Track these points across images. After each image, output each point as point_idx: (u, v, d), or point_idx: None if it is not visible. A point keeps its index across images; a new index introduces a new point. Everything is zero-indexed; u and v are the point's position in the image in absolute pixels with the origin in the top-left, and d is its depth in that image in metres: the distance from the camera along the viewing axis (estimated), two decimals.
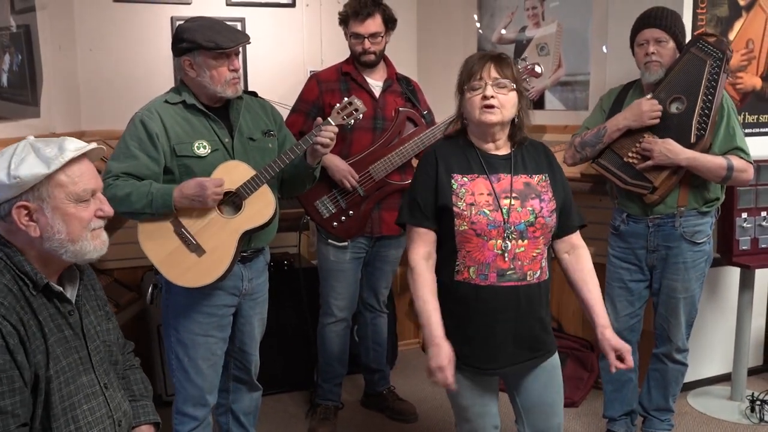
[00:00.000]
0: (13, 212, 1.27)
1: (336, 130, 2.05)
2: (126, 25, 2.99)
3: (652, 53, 2.27)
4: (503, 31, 3.24)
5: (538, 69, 2.40)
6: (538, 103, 3.14)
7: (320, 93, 2.57)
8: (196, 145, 1.99)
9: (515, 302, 1.67)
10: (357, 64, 2.58)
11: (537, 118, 2.95)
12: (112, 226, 2.77)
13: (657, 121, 2.24)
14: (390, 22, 2.55)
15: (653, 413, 2.51)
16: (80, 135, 2.83)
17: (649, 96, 2.27)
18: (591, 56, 2.97)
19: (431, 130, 2.54)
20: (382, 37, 2.55)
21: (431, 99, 2.79)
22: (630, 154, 2.32)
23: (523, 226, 1.66)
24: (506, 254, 1.65)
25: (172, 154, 1.97)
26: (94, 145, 1.35)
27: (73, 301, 1.38)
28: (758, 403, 2.74)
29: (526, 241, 1.66)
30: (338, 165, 2.51)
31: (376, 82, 2.61)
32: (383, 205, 2.60)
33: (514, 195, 1.68)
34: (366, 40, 2.51)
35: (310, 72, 2.87)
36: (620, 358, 1.67)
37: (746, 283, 2.78)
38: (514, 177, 1.70)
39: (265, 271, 2.22)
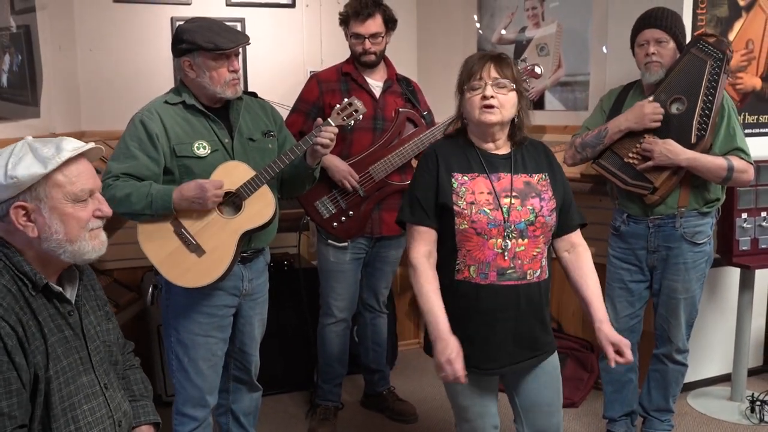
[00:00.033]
0: (11, 212, 1.27)
1: (336, 130, 2.05)
2: (126, 25, 2.99)
3: (653, 54, 2.27)
4: (503, 32, 3.24)
5: (538, 70, 2.40)
6: (538, 104, 3.14)
7: (320, 93, 2.57)
8: (196, 145, 1.99)
9: (515, 301, 1.67)
10: (357, 64, 2.58)
11: (537, 118, 2.95)
12: (111, 226, 2.78)
13: (658, 124, 2.24)
14: (390, 23, 2.55)
15: (653, 414, 2.51)
16: (80, 135, 2.83)
17: (650, 98, 2.27)
18: (591, 57, 2.97)
19: (431, 130, 2.54)
20: (383, 37, 2.55)
21: (431, 99, 2.79)
22: (630, 155, 2.32)
23: (523, 225, 1.66)
24: (506, 253, 1.65)
25: (171, 154, 1.97)
26: (91, 144, 1.35)
27: (73, 302, 1.38)
28: (758, 403, 2.74)
29: (526, 240, 1.66)
30: (338, 165, 2.51)
31: (376, 83, 2.61)
32: (383, 206, 2.60)
33: (514, 194, 1.68)
34: (366, 40, 2.51)
35: (310, 72, 2.87)
36: (619, 352, 1.66)
37: (746, 284, 2.78)
38: (515, 176, 1.70)
39: (265, 272, 2.22)
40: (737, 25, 2.80)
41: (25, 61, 2.51)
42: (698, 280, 2.36)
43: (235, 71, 1.99)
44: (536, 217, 1.68)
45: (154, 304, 2.18)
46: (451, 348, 1.60)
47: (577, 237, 1.80)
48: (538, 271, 1.70)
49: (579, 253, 1.78)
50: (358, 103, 2.07)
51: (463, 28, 3.35)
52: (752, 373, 3.03)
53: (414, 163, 2.53)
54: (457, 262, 1.68)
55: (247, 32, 3.09)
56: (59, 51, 2.78)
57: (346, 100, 2.09)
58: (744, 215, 2.69)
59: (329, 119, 2.06)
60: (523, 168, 1.73)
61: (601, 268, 2.56)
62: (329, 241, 2.62)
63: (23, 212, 1.28)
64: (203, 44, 1.93)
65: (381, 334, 2.85)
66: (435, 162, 1.71)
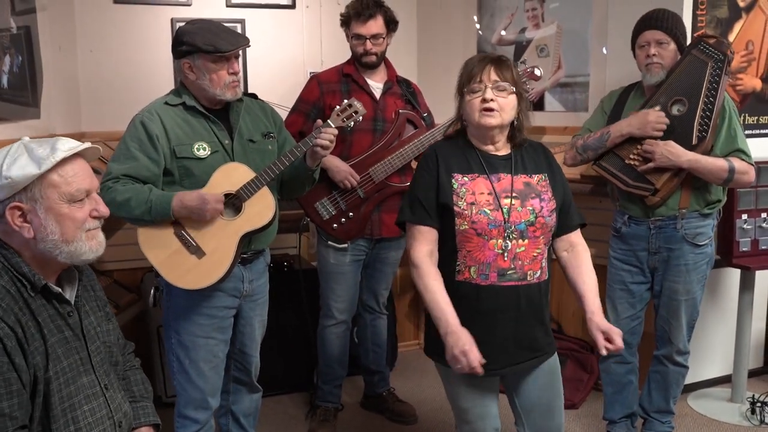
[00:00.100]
0: (7, 213, 1.27)
1: (335, 132, 2.05)
2: (126, 26, 2.99)
3: (654, 55, 2.27)
4: (503, 33, 3.24)
5: (537, 72, 2.40)
6: (538, 105, 3.14)
7: (321, 94, 2.57)
8: (196, 146, 1.99)
9: (515, 302, 1.67)
10: (358, 65, 2.58)
11: (537, 119, 2.96)
12: (111, 227, 2.78)
13: (660, 134, 2.24)
14: (391, 24, 2.55)
15: (654, 415, 2.51)
16: (80, 136, 2.83)
17: (657, 108, 2.26)
18: (591, 57, 2.97)
19: (431, 132, 2.54)
20: (384, 38, 2.55)
21: (431, 100, 2.79)
22: (631, 156, 2.32)
23: (523, 225, 1.66)
24: (506, 254, 1.65)
25: (172, 155, 1.97)
26: (87, 144, 1.34)
27: (72, 302, 1.37)
28: (759, 404, 2.73)
29: (526, 241, 1.66)
30: (339, 166, 2.51)
31: (376, 84, 2.61)
32: (383, 207, 2.60)
33: (514, 195, 1.68)
34: (368, 41, 2.51)
35: (310, 73, 2.87)
36: (609, 340, 1.65)
37: (746, 285, 2.77)
38: (515, 177, 1.70)
39: (266, 273, 2.22)
40: (737, 26, 2.80)
41: (25, 61, 2.52)
42: (699, 281, 2.36)
43: (235, 73, 1.99)
44: (536, 217, 1.68)
45: (156, 305, 2.17)
46: (463, 339, 1.59)
47: (576, 237, 1.80)
48: (539, 272, 1.70)
49: (578, 252, 1.78)
50: (357, 105, 2.07)
51: (463, 29, 3.35)
52: (753, 374, 3.03)
53: (414, 164, 2.53)
54: (458, 263, 1.68)
55: (247, 33, 3.10)
56: (59, 52, 2.78)
57: (345, 101, 2.09)
58: (744, 216, 2.69)
59: (329, 121, 2.06)
60: (523, 169, 1.73)
61: (601, 270, 2.56)
62: (329, 242, 2.61)
63: (19, 213, 1.28)
64: (203, 46, 1.93)
65: (381, 335, 2.85)
66: (435, 162, 1.71)
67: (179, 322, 2.05)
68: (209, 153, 2.00)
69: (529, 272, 1.67)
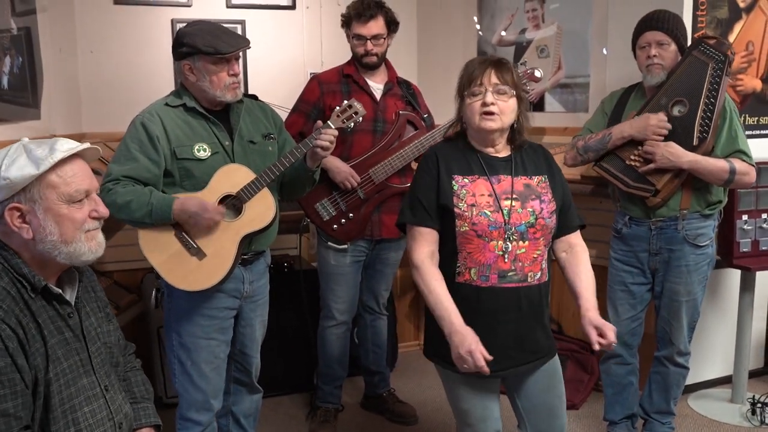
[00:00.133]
0: (6, 214, 1.27)
1: (336, 133, 2.05)
2: (126, 27, 3.00)
3: (654, 56, 2.27)
4: (503, 33, 3.25)
5: (537, 74, 2.40)
6: (538, 105, 3.14)
7: (321, 94, 2.57)
8: (197, 147, 1.99)
9: (516, 304, 1.67)
10: (358, 66, 2.58)
11: (537, 120, 2.96)
12: (111, 228, 2.78)
13: (661, 138, 2.23)
14: (392, 25, 2.55)
15: (654, 416, 2.51)
16: (81, 137, 2.83)
17: (662, 113, 2.25)
18: (591, 58, 2.97)
19: (431, 133, 2.54)
20: (384, 39, 2.55)
21: (431, 101, 2.79)
22: (632, 157, 2.32)
23: (523, 227, 1.66)
24: (507, 255, 1.65)
25: (172, 156, 1.97)
26: (87, 145, 1.34)
27: (73, 303, 1.37)
28: (759, 405, 2.73)
29: (526, 243, 1.66)
30: (339, 167, 2.51)
31: (377, 85, 2.61)
32: (383, 208, 2.60)
33: (514, 196, 1.68)
34: (368, 41, 2.51)
35: (311, 74, 2.87)
36: (602, 335, 1.64)
37: (747, 285, 2.77)
38: (515, 178, 1.70)
39: (266, 274, 2.22)
40: (737, 27, 2.80)
41: (25, 63, 2.52)
42: (700, 282, 2.35)
43: (235, 75, 1.99)
44: (536, 219, 1.68)
45: (159, 307, 2.17)
46: (469, 339, 1.58)
47: (575, 238, 1.80)
48: (539, 274, 1.70)
49: (576, 252, 1.78)
50: (357, 105, 2.07)
51: (463, 30, 3.35)
52: (753, 375, 3.02)
53: (414, 165, 2.53)
54: (458, 264, 1.68)
55: (248, 34, 3.10)
56: (60, 53, 2.78)
57: (345, 102, 2.09)
58: (744, 217, 2.68)
59: (329, 122, 2.06)
60: (523, 170, 1.73)
61: (602, 271, 2.57)
62: (329, 243, 2.62)
63: (18, 214, 1.27)
64: (203, 48, 1.93)
65: (381, 335, 2.85)
66: (435, 164, 1.71)
67: (180, 324, 2.05)
68: (209, 154, 2.00)
69: (529, 274, 1.67)
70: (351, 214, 2.58)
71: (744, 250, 2.69)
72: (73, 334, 1.35)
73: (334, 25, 2.74)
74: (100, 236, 1.37)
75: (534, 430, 1.78)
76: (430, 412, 2.87)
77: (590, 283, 1.74)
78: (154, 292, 2.17)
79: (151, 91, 2.69)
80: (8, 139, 2.20)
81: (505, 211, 1.66)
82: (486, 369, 1.58)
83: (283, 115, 2.44)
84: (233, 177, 1.98)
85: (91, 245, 1.33)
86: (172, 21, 3.04)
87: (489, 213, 1.65)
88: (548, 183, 1.74)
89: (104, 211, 1.36)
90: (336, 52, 3.01)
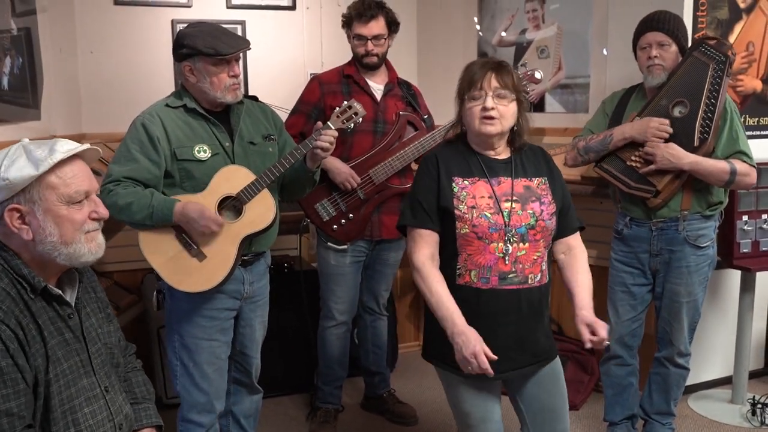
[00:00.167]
0: (5, 215, 1.26)
1: (335, 134, 2.05)
2: (127, 27, 3.00)
3: (655, 57, 2.27)
4: (503, 34, 3.24)
5: (538, 75, 2.40)
6: (538, 106, 3.14)
7: (322, 95, 2.57)
8: (197, 149, 1.99)
9: (517, 305, 1.67)
10: (359, 66, 2.58)
11: (537, 120, 2.94)
12: (111, 228, 2.78)
13: (661, 141, 2.23)
14: (393, 25, 2.56)
15: (654, 417, 2.50)
16: (81, 137, 2.83)
17: (667, 122, 2.25)
18: (591, 59, 2.97)
19: (431, 134, 2.54)
20: (385, 39, 2.55)
21: (431, 102, 2.79)
22: (633, 158, 2.32)
23: (524, 229, 1.66)
24: (507, 257, 1.65)
25: (172, 157, 1.97)
26: (86, 146, 1.34)
27: (73, 304, 1.37)
28: (759, 406, 2.73)
29: (527, 244, 1.66)
30: (339, 168, 2.51)
31: (377, 86, 2.61)
32: (383, 209, 2.60)
33: (514, 198, 1.68)
34: (369, 41, 2.51)
35: (311, 75, 2.87)
36: (593, 333, 1.63)
37: (747, 286, 2.77)
38: (515, 180, 1.70)
39: (266, 274, 2.22)
40: (737, 28, 2.79)
41: (25, 63, 2.52)
42: (701, 283, 2.35)
43: (236, 76, 1.99)
44: (537, 221, 1.68)
45: (160, 308, 2.17)
46: (473, 340, 1.58)
47: (574, 240, 1.80)
48: (539, 275, 1.70)
49: (575, 254, 1.78)
50: (357, 106, 2.07)
51: (464, 30, 3.35)
52: (753, 375, 3.02)
53: (414, 166, 2.53)
54: (458, 266, 1.68)
55: (248, 35, 3.10)
56: (60, 53, 2.78)
57: (345, 102, 2.09)
58: (745, 218, 2.68)
59: (329, 122, 2.06)
60: (523, 172, 1.73)
61: (602, 271, 2.57)
62: (329, 243, 2.62)
63: (17, 215, 1.27)
64: (203, 49, 1.93)
65: (381, 336, 2.85)
66: (435, 166, 1.71)
67: (181, 325, 2.05)
68: (210, 155, 2.00)
69: (530, 275, 1.67)
70: (351, 215, 2.58)
71: (744, 250, 2.69)
72: (73, 335, 1.34)
73: (334, 25, 2.74)
74: (100, 237, 1.36)
75: None
76: (430, 413, 2.87)
77: (586, 284, 1.74)
78: (155, 293, 2.17)
79: (151, 92, 2.69)
80: (8, 139, 2.20)
81: (505, 213, 1.65)
82: (490, 371, 1.57)
83: (283, 116, 2.44)
84: (233, 178, 1.98)
85: (91, 246, 1.33)
86: (172, 21, 3.04)
87: (489, 215, 1.65)
88: (548, 185, 1.74)
89: (104, 213, 1.36)
90: (336, 53, 3.01)
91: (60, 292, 1.34)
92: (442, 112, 2.47)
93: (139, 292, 2.95)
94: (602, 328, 1.63)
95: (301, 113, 2.60)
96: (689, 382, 2.56)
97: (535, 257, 1.68)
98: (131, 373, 1.57)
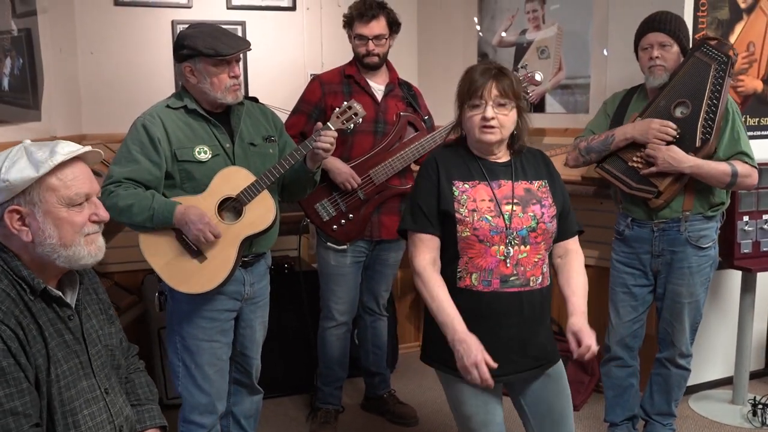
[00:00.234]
0: (5, 216, 1.26)
1: (335, 134, 2.06)
2: (127, 28, 3.00)
3: (657, 57, 2.27)
4: (503, 34, 3.24)
5: (538, 77, 2.39)
6: (539, 106, 3.14)
7: (323, 95, 2.57)
8: (197, 150, 1.99)
9: (518, 308, 1.67)
10: (360, 66, 2.58)
11: (537, 121, 2.95)
12: (112, 229, 2.78)
13: (662, 143, 2.22)
14: (394, 25, 2.56)
15: (655, 418, 2.50)
16: (81, 138, 2.83)
17: (670, 123, 2.24)
18: (591, 59, 2.96)
19: (432, 135, 2.54)
20: (386, 39, 2.55)
21: (431, 102, 2.79)
22: (634, 159, 2.32)
23: (525, 231, 1.66)
24: (508, 260, 1.64)
25: (173, 158, 1.97)
26: (88, 148, 1.33)
27: (73, 306, 1.37)
28: (760, 406, 2.73)
29: (528, 247, 1.66)
30: (340, 168, 2.51)
31: (378, 86, 2.61)
32: (383, 209, 2.60)
33: (515, 201, 1.68)
34: (370, 41, 2.51)
35: (311, 75, 2.87)
36: (579, 342, 1.63)
37: (748, 287, 2.77)
38: (515, 183, 1.70)
39: (267, 275, 2.21)
40: (738, 28, 2.79)
41: (26, 64, 2.52)
42: (703, 284, 2.35)
43: (236, 77, 1.99)
44: (537, 223, 1.67)
45: (162, 310, 2.17)
46: (474, 350, 1.57)
47: (572, 244, 1.80)
48: (540, 278, 1.69)
49: (571, 258, 1.78)
50: (357, 106, 2.07)
51: (464, 31, 3.35)
52: (754, 376, 3.02)
53: (414, 167, 2.53)
54: (459, 269, 1.68)
55: (248, 35, 3.10)
56: (60, 54, 2.78)
57: (345, 103, 2.09)
58: (745, 218, 2.68)
59: (329, 123, 2.06)
60: (523, 175, 1.72)
61: (604, 272, 2.56)
62: (329, 243, 2.62)
63: (17, 216, 1.27)
64: (204, 50, 1.93)
65: (381, 337, 2.85)
66: (435, 170, 1.71)
67: (182, 326, 2.05)
68: (210, 156, 2.00)
69: (531, 278, 1.67)
70: (351, 215, 2.57)
71: (745, 251, 2.69)
72: (73, 337, 1.34)
73: (334, 26, 2.74)
74: (100, 240, 1.36)
75: None
76: (430, 413, 2.87)
77: (580, 287, 1.74)
78: (157, 295, 2.17)
79: (151, 93, 2.69)
80: (9, 140, 2.20)
81: (506, 216, 1.65)
82: (491, 383, 1.57)
83: (283, 117, 2.44)
84: (233, 179, 1.98)
85: (91, 249, 1.33)
86: (172, 22, 3.04)
87: (490, 218, 1.65)
88: (548, 188, 1.74)
89: (104, 215, 1.35)
90: (336, 54, 3.01)
91: (60, 293, 1.34)
92: (443, 112, 2.47)
93: (140, 293, 2.95)
94: (588, 336, 1.63)
95: (301, 113, 2.60)
96: (690, 382, 2.56)
97: (536, 260, 1.68)
98: (134, 375, 1.57)
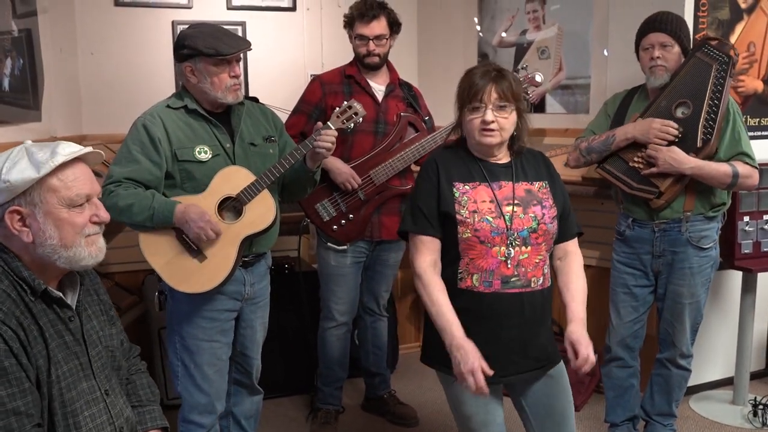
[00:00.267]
0: (6, 217, 1.26)
1: (335, 134, 2.06)
2: (127, 28, 3.00)
3: (658, 57, 2.27)
4: (503, 34, 3.24)
5: (538, 78, 2.39)
6: (539, 107, 3.14)
7: (323, 95, 2.57)
8: (198, 149, 1.99)
9: (519, 309, 1.67)
10: (360, 66, 2.58)
11: (538, 121, 2.96)
12: (112, 230, 2.78)
13: (664, 142, 2.22)
14: (394, 26, 2.56)
15: (656, 418, 2.50)
16: (81, 139, 2.83)
17: (671, 122, 2.24)
18: (592, 59, 2.96)
19: (432, 136, 2.54)
20: (387, 39, 2.55)
21: (431, 102, 2.79)
22: (635, 159, 2.31)
23: (525, 232, 1.66)
24: (509, 261, 1.64)
25: (173, 158, 1.97)
26: (89, 149, 1.33)
27: (74, 307, 1.37)
28: (761, 407, 2.72)
29: (529, 248, 1.66)
30: (340, 168, 2.51)
31: (379, 86, 2.61)
32: (383, 210, 2.60)
33: (516, 202, 1.68)
34: (371, 41, 2.51)
35: (311, 76, 2.87)
36: (576, 352, 1.63)
37: (748, 287, 2.77)
38: (516, 184, 1.70)
39: (267, 276, 2.21)
40: (739, 28, 2.79)
41: (26, 64, 2.52)
42: (703, 285, 2.35)
43: (236, 76, 1.99)
44: (538, 224, 1.67)
45: (162, 309, 2.17)
46: (471, 357, 1.57)
47: (572, 246, 1.80)
48: (542, 279, 1.69)
49: (570, 261, 1.78)
50: (357, 106, 2.08)
51: (464, 31, 3.35)
52: (755, 376, 3.02)
53: (414, 167, 2.53)
54: (460, 270, 1.67)
55: (248, 36, 3.10)
56: (60, 54, 2.79)
57: (345, 102, 2.09)
58: (746, 218, 2.68)
59: (329, 122, 2.06)
60: (523, 176, 1.72)
61: (604, 273, 2.56)
62: (329, 244, 2.61)
63: (18, 217, 1.27)
64: (204, 50, 1.93)
65: (381, 337, 2.85)
66: (435, 171, 1.70)
67: (182, 326, 2.05)
68: (210, 156, 2.00)
69: (532, 279, 1.67)
70: (351, 215, 2.57)
71: (745, 251, 2.69)
72: (73, 338, 1.34)
73: (334, 26, 2.74)
74: (101, 241, 1.36)
75: None
76: (430, 414, 2.87)
77: (579, 292, 1.74)
78: (157, 294, 2.17)
79: (151, 93, 2.69)
80: (9, 141, 2.20)
81: (507, 217, 1.65)
82: (486, 391, 1.57)
83: (283, 117, 2.44)
84: (233, 179, 1.98)
85: (92, 250, 1.33)
86: (172, 23, 3.04)
87: (491, 219, 1.64)
88: (549, 189, 1.74)
89: (105, 216, 1.35)
90: (337, 54, 3.01)
91: (60, 294, 1.34)
92: (443, 113, 2.46)
93: (140, 293, 2.95)
94: (585, 347, 1.63)
95: (302, 113, 2.60)
96: (690, 383, 2.56)
97: (537, 260, 1.68)
98: (135, 376, 1.56)
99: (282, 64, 3.23)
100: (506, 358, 1.67)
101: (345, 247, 2.60)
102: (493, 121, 1.63)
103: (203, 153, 1.99)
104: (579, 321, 1.68)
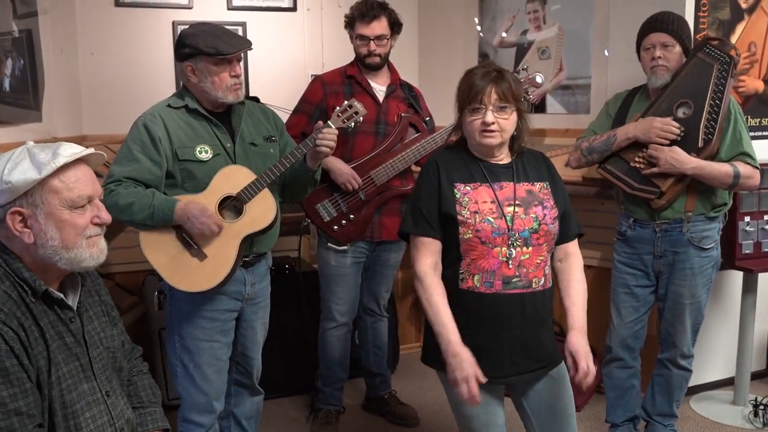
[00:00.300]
0: (7, 218, 1.26)
1: (336, 133, 2.06)
2: (127, 29, 3.00)
3: (659, 57, 2.27)
4: (504, 35, 3.24)
5: (539, 79, 2.39)
6: (540, 107, 3.14)
7: (324, 95, 2.57)
8: (198, 149, 1.99)
9: (521, 310, 1.67)
10: (361, 67, 2.58)
11: (538, 121, 2.96)
12: (113, 230, 2.77)
13: (665, 141, 2.22)
14: (395, 26, 2.56)
15: (656, 418, 2.50)
16: (82, 139, 2.83)
17: (674, 121, 2.24)
18: (592, 60, 2.96)
19: (432, 136, 2.54)
20: (388, 39, 2.55)
21: (432, 103, 2.79)
22: (636, 159, 2.31)
23: (527, 233, 1.66)
24: (511, 261, 1.64)
25: (174, 158, 1.97)
26: (90, 150, 1.33)
27: (75, 308, 1.37)
28: (761, 407, 2.72)
29: (530, 248, 1.66)
30: (341, 168, 2.51)
31: (379, 87, 2.61)
32: (384, 210, 2.60)
33: (517, 202, 1.67)
34: (372, 42, 2.51)
35: (312, 76, 2.87)
36: (575, 362, 1.64)
37: (749, 287, 2.77)
38: (517, 185, 1.70)
39: (267, 276, 2.21)
40: (739, 28, 2.79)
41: (27, 65, 2.52)
42: (704, 285, 2.34)
43: (237, 76, 1.99)
44: (540, 225, 1.67)
45: (161, 309, 2.17)
46: (465, 365, 1.57)
47: (572, 247, 1.80)
48: (543, 279, 1.69)
49: (571, 262, 1.78)
50: (358, 105, 2.08)
51: (464, 31, 3.35)
52: (755, 377, 3.02)
53: (415, 168, 2.53)
54: (461, 271, 1.67)
55: (249, 36, 3.10)
56: (61, 55, 2.79)
57: (346, 102, 2.09)
58: (747, 218, 2.68)
59: (329, 121, 2.06)
60: (525, 176, 1.72)
61: (605, 273, 2.56)
62: (329, 244, 2.61)
63: (19, 218, 1.27)
64: (205, 49, 1.93)
65: (382, 337, 2.85)
66: (436, 172, 1.70)
67: (182, 326, 2.04)
68: (211, 156, 2.00)
69: (534, 279, 1.67)
70: (352, 216, 2.57)
71: (746, 251, 2.69)
72: (74, 339, 1.34)
73: (335, 26, 2.74)
74: (102, 242, 1.36)
75: None
76: (431, 414, 2.87)
77: (579, 297, 1.74)
78: (156, 293, 2.17)
79: (152, 93, 2.69)
80: (10, 141, 2.20)
81: (508, 218, 1.65)
82: (478, 400, 1.58)
83: (284, 117, 2.44)
84: (234, 178, 1.98)
85: (93, 251, 1.32)
86: (173, 23, 3.04)
87: (492, 220, 1.64)
88: (550, 189, 1.74)
89: (107, 218, 1.35)
90: (337, 54, 3.01)
91: (61, 295, 1.34)
92: (443, 113, 2.46)
93: (141, 294, 2.95)
94: (584, 359, 1.63)
95: (303, 113, 2.60)
96: (691, 383, 2.56)
97: (539, 261, 1.68)
98: (137, 377, 1.56)
99: (282, 64, 3.23)
100: (507, 358, 1.67)
101: (345, 247, 2.60)
102: (493, 123, 1.63)
103: (204, 152, 1.99)
104: (579, 329, 1.68)
